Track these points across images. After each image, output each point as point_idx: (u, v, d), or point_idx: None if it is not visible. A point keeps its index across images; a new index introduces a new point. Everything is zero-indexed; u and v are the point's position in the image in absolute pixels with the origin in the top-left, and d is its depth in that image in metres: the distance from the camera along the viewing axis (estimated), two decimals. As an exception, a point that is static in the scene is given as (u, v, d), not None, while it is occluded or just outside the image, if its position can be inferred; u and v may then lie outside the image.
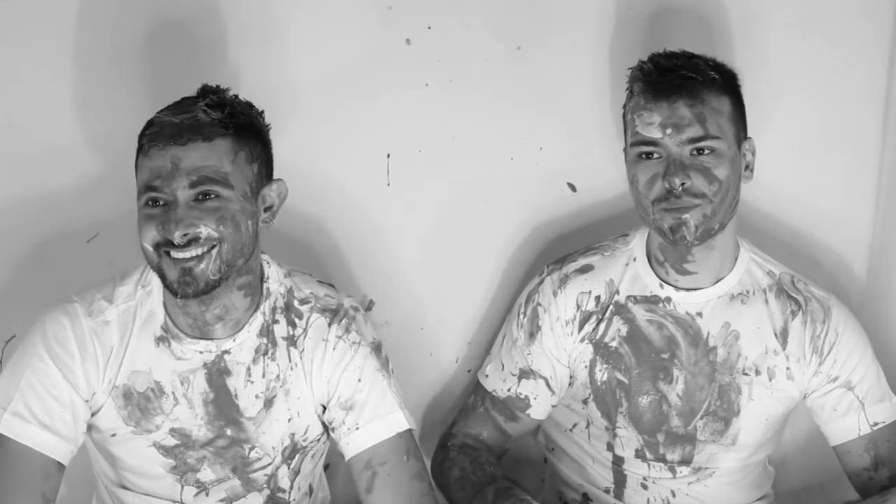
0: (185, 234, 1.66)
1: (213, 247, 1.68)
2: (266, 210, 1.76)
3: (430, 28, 2.05)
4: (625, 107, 1.91)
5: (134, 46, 1.98)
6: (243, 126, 1.72)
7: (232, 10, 2.00)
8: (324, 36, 2.03)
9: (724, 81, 1.85)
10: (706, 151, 1.82)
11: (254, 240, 1.74)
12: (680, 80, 1.81)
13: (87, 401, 1.75)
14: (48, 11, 1.95)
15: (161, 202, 1.67)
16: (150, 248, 1.68)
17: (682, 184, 1.80)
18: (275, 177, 1.79)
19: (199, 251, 1.67)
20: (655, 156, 1.84)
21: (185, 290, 1.68)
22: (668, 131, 1.82)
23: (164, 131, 1.67)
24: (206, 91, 1.72)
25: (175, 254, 1.67)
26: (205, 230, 1.67)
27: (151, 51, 1.99)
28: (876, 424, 1.94)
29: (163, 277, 1.70)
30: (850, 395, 1.94)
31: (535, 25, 2.08)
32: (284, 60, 2.03)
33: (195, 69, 1.97)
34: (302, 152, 2.01)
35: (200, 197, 1.67)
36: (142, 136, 1.70)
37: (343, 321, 1.81)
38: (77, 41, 1.96)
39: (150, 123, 1.70)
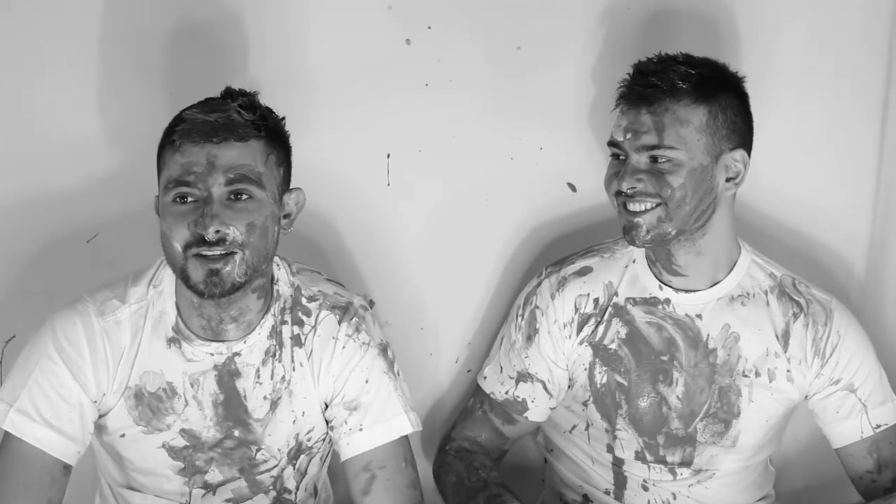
0: (218, 231, 1.65)
1: (234, 253, 1.67)
2: (284, 217, 1.77)
3: (430, 28, 2.05)
4: None
5: (143, 48, 1.99)
6: (273, 130, 1.73)
7: (232, 11, 2.00)
8: (323, 36, 2.03)
9: (703, 92, 1.82)
10: (661, 160, 1.82)
11: (275, 245, 1.75)
12: (642, 88, 1.83)
13: (96, 402, 1.75)
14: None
15: (190, 199, 1.67)
16: (179, 249, 1.67)
17: (631, 188, 1.82)
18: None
19: (223, 251, 1.66)
20: (622, 157, 1.87)
21: (212, 290, 1.67)
22: (628, 136, 1.84)
23: (197, 128, 1.67)
24: (231, 93, 1.73)
25: (203, 251, 1.66)
26: (232, 233, 1.66)
27: (159, 53, 2.00)
28: (879, 427, 1.94)
29: (186, 279, 1.68)
30: (852, 397, 1.93)
31: (535, 26, 2.07)
32: (284, 61, 2.03)
33: (198, 71, 1.99)
34: (302, 152, 2.01)
35: (233, 196, 1.67)
36: (171, 131, 1.70)
37: (353, 320, 1.82)
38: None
39: (179, 119, 1.70)
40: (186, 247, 1.66)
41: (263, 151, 1.71)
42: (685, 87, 1.82)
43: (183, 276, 1.69)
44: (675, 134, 1.81)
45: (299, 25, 2.02)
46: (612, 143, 1.88)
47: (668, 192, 1.82)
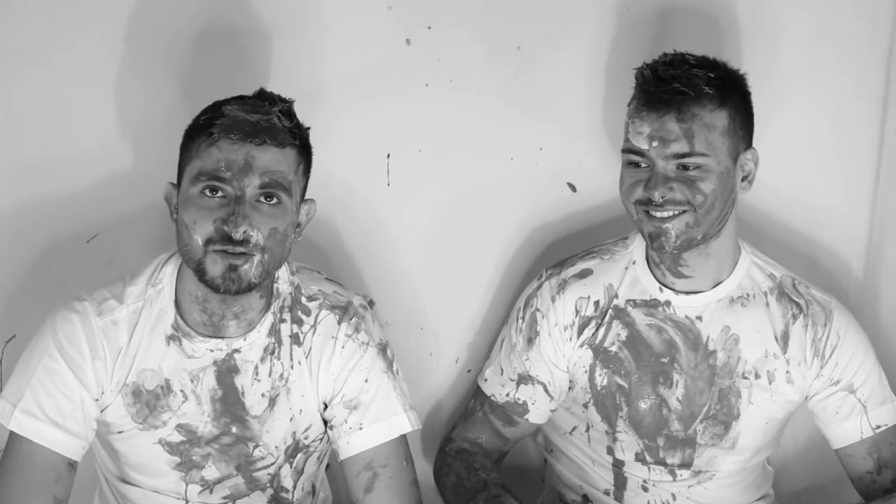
0: (245, 231, 1.66)
1: (254, 255, 1.68)
2: (296, 226, 1.78)
3: (430, 28, 2.05)
4: (629, 105, 1.89)
5: (142, 51, 2.00)
6: (304, 140, 1.75)
7: (233, 14, 2.00)
8: (324, 37, 2.03)
9: (723, 95, 1.81)
10: (691, 167, 1.81)
11: (289, 252, 1.76)
12: (670, 95, 1.79)
13: (97, 399, 1.75)
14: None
15: (220, 194, 1.68)
16: (200, 244, 1.67)
17: (663, 196, 1.80)
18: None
19: (244, 251, 1.67)
20: (643, 165, 1.84)
21: (228, 285, 1.68)
22: (655, 144, 1.81)
23: (238, 126, 1.68)
24: (265, 95, 1.73)
25: (227, 249, 1.66)
26: (256, 236, 1.67)
27: (160, 56, 2.00)
28: (878, 427, 1.93)
29: (202, 272, 1.68)
30: (851, 398, 1.93)
31: (535, 25, 2.07)
32: (285, 62, 2.02)
33: (199, 74, 1.99)
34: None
35: (263, 199, 1.68)
36: (210, 123, 1.70)
37: (353, 320, 1.82)
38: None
39: (219, 113, 1.70)
40: (208, 242, 1.67)
41: (296, 160, 1.72)
42: (711, 92, 1.80)
43: (199, 270, 1.69)
44: (704, 140, 1.80)
45: (299, 27, 2.02)
46: (633, 151, 1.84)
47: (699, 199, 1.80)
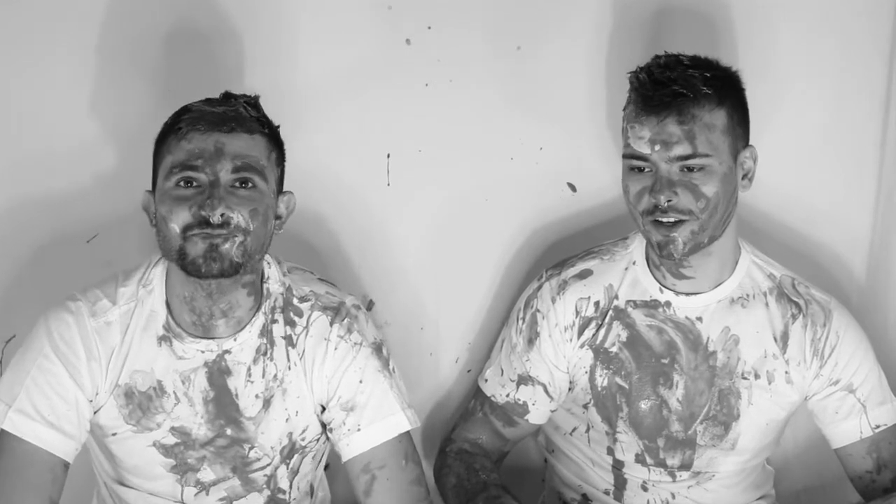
0: (223, 214, 1.66)
1: (236, 236, 1.68)
2: (276, 218, 1.78)
3: (430, 28, 2.05)
4: (624, 109, 1.88)
5: (139, 50, 1.99)
6: (273, 131, 1.77)
7: (235, 11, 2.00)
8: (323, 36, 2.03)
9: (721, 94, 1.81)
10: (695, 169, 1.81)
11: (270, 239, 1.76)
12: (670, 97, 1.79)
13: (91, 400, 1.75)
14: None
15: (195, 183, 1.68)
16: (177, 230, 1.67)
17: (668, 201, 1.80)
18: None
19: (226, 232, 1.67)
20: (646, 170, 1.83)
21: (210, 266, 1.67)
22: (657, 147, 1.80)
23: (205, 117, 1.70)
24: (231, 95, 1.75)
25: (206, 231, 1.66)
26: (236, 218, 1.67)
27: (156, 54, 2.00)
28: (878, 427, 1.93)
29: (183, 257, 1.68)
30: (851, 397, 1.93)
31: (535, 25, 2.07)
32: (285, 62, 2.02)
33: (199, 71, 1.99)
34: (302, 152, 2.01)
35: (238, 184, 1.69)
36: (176, 120, 1.71)
37: (345, 321, 1.82)
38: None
39: (185, 110, 1.72)
40: (186, 228, 1.67)
41: (267, 147, 1.74)
42: (710, 92, 1.80)
43: (180, 255, 1.68)
44: (706, 141, 1.80)
45: (300, 26, 2.02)
46: (635, 157, 1.83)
47: (703, 202, 1.80)
